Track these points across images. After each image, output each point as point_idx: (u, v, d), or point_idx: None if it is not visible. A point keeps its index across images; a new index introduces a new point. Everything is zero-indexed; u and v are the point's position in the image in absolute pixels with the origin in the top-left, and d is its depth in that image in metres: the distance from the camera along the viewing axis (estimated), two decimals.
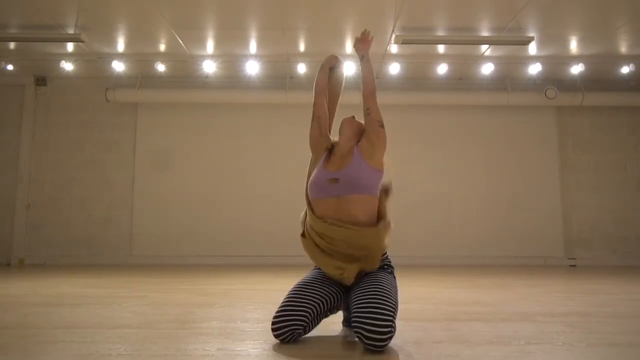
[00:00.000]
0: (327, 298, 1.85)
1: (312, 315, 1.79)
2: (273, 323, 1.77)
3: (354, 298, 1.75)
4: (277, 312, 1.80)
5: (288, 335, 1.75)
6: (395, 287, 1.90)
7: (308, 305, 1.78)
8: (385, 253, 1.99)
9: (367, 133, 1.99)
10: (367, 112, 1.98)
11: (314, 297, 1.81)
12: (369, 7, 4.11)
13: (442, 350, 1.73)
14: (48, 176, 5.77)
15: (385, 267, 1.97)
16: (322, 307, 1.83)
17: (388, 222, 1.95)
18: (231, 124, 5.90)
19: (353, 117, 2.06)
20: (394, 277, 1.97)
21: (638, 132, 5.94)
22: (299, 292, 1.83)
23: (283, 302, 1.82)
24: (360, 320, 1.62)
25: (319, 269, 1.96)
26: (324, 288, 1.86)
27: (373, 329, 1.59)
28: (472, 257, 5.68)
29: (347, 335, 1.95)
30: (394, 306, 1.70)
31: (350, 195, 1.88)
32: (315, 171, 1.99)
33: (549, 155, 5.90)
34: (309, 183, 1.98)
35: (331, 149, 2.06)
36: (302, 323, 1.76)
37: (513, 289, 3.45)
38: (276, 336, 1.77)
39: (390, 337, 1.62)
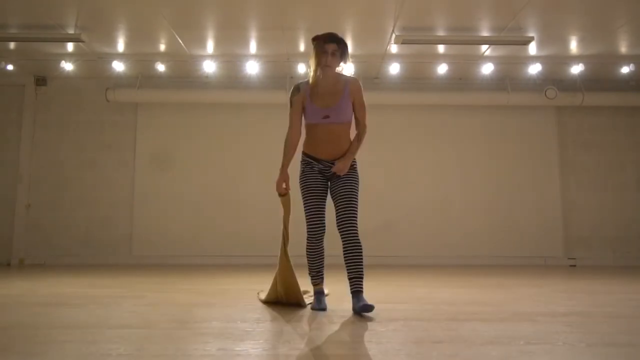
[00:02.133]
0: (324, 197, 2.62)
1: (324, 216, 2.60)
2: (312, 233, 2.58)
3: (336, 201, 2.56)
4: (310, 225, 2.58)
5: (321, 237, 2.59)
6: (358, 186, 2.60)
7: (322, 214, 2.60)
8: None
9: (358, 98, 2.63)
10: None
11: (322, 207, 2.60)
12: (369, 7, 4.11)
13: (442, 350, 1.73)
14: (48, 176, 5.77)
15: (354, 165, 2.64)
16: (324, 207, 2.61)
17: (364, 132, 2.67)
18: (231, 124, 5.90)
19: (328, 65, 2.53)
20: (357, 177, 2.63)
21: (638, 132, 5.94)
22: (314, 209, 2.58)
23: (309, 217, 2.58)
24: (342, 232, 2.50)
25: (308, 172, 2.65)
26: (321, 194, 2.60)
27: (349, 233, 2.49)
28: (472, 257, 5.68)
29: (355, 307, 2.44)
30: (356, 215, 2.53)
31: (336, 125, 2.56)
32: (307, 108, 2.58)
33: (549, 155, 5.90)
34: (305, 115, 2.62)
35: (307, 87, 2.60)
36: (323, 225, 2.59)
37: (513, 289, 3.45)
38: (315, 239, 2.57)
39: (356, 231, 2.50)
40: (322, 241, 2.61)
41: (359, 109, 2.62)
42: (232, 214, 5.74)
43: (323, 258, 2.65)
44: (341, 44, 2.55)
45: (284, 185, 2.67)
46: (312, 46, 2.58)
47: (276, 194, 2.78)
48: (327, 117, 2.52)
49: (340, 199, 2.52)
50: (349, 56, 2.65)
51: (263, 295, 2.85)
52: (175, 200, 5.76)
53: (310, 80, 2.56)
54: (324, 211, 2.59)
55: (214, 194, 5.77)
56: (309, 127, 2.60)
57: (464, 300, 2.94)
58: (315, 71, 2.53)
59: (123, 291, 3.32)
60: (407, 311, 2.53)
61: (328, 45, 2.51)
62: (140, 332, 2.00)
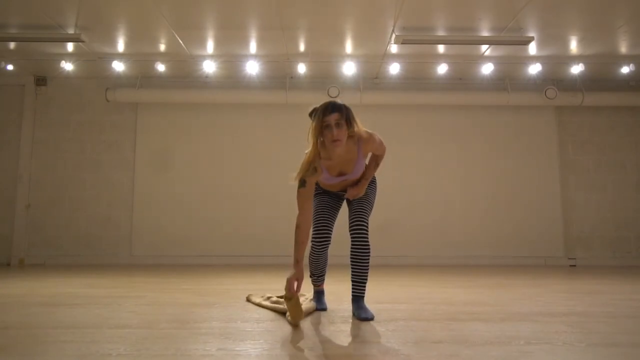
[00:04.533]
0: (334, 211, 2.57)
1: (332, 229, 2.54)
2: (317, 242, 2.49)
3: (350, 206, 2.51)
4: (316, 235, 2.48)
5: (325, 248, 2.52)
6: (375, 194, 2.57)
7: (330, 226, 2.53)
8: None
9: (373, 149, 2.46)
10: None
11: (332, 219, 2.54)
12: (369, 7, 4.11)
13: (442, 350, 1.73)
14: (48, 176, 5.77)
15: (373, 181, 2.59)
16: (334, 220, 2.57)
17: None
18: (231, 124, 5.90)
19: (337, 139, 2.22)
20: (375, 185, 2.61)
21: (638, 132, 5.94)
22: (323, 219, 2.50)
23: (317, 226, 2.48)
24: (353, 233, 2.42)
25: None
26: (331, 206, 2.55)
27: (357, 235, 2.40)
28: (472, 257, 5.68)
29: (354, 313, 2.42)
30: (367, 219, 2.46)
31: (352, 179, 2.48)
32: (322, 178, 2.41)
33: (549, 155, 5.90)
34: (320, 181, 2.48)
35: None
36: (329, 237, 2.52)
37: (513, 289, 3.45)
38: (319, 249, 2.49)
39: (366, 233, 2.41)
40: (326, 251, 2.55)
41: (376, 151, 2.47)
42: (233, 214, 5.74)
43: (326, 264, 2.64)
44: (343, 110, 2.25)
45: (295, 286, 2.28)
46: (311, 114, 2.30)
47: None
48: (343, 180, 2.44)
49: (354, 202, 2.47)
50: (355, 119, 2.29)
51: (257, 299, 2.81)
52: (176, 200, 5.76)
53: (310, 156, 2.28)
54: (332, 224, 2.53)
55: (214, 193, 5.77)
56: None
57: (464, 300, 2.94)
58: (316, 146, 2.26)
59: (123, 291, 3.32)
60: (407, 311, 2.53)
61: (329, 117, 2.20)
62: (140, 332, 2.00)
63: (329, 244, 2.52)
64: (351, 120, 2.26)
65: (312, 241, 2.49)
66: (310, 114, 2.30)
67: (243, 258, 5.65)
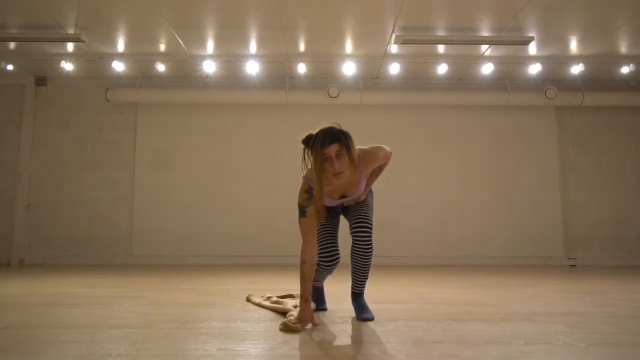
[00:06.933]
0: (335, 222, 2.45)
1: (337, 243, 2.39)
2: (324, 261, 2.33)
3: (353, 215, 2.35)
4: (325, 255, 2.33)
5: (334, 266, 2.37)
6: (373, 198, 2.47)
7: (337, 243, 2.39)
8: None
9: (379, 163, 2.32)
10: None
11: (336, 235, 2.41)
12: (369, 7, 4.11)
13: (442, 350, 1.73)
14: (48, 176, 5.77)
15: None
16: (337, 231, 2.43)
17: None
18: (231, 124, 5.90)
19: (342, 172, 2.07)
20: (372, 193, 2.49)
21: (638, 132, 5.94)
22: (329, 237, 2.37)
23: (324, 245, 2.34)
24: (355, 231, 2.29)
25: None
26: (332, 216, 2.43)
27: (359, 233, 2.28)
28: (472, 257, 5.68)
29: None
30: (371, 219, 2.34)
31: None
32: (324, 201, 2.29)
33: (549, 155, 5.90)
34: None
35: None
36: (338, 256, 2.36)
37: (513, 289, 3.45)
38: (327, 268, 2.35)
39: (370, 232, 2.29)
40: (334, 268, 2.38)
41: (381, 162, 2.31)
42: (233, 214, 5.74)
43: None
44: (342, 139, 2.05)
45: (309, 325, 2.13)
46: (307, 140, 2.10)
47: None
48: (344, 202, 2.36)
49: (354, 206, 2.36)
50: (353, 143, 2.10)
51: (257, 299, 2.80)
52: (175, 200, 5.76)
53: (316, 192, 2.14)
54: (337, 237, 2.40)
55: (214, 193, 5.77)
56: None
57: (464, 300, 2.94)
58: (321, 180, 2.10)
59: (123, 291, 3.32)
60: (407, 311, 2.53)
61: (329, 150, 2.02)
62: (140, 332, 2.00)
63: (338, 261, 2.36)
64: (351, 148, 2.07)
65: (319, 261, 2.32)
66: (304, 142, 2.10)
67: (243, 258, 5.65)
